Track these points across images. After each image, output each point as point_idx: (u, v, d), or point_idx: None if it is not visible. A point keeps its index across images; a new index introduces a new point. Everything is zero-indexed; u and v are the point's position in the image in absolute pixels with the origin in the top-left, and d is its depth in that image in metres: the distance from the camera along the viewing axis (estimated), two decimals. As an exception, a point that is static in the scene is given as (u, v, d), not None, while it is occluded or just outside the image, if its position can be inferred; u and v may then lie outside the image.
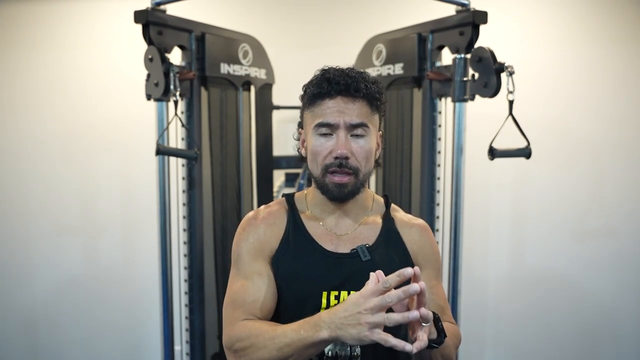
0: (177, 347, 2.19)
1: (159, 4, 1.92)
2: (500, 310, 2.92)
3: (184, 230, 2.16)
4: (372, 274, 0.96)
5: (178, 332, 2.22)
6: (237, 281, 1.18)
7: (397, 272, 0.92)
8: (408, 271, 0.92)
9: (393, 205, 1.29)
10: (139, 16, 1.87)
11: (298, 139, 1.25)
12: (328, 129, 1.13)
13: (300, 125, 1.24)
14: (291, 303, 1.17)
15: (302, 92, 1.21)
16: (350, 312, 0.93)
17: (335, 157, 1.12)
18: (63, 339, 2.94)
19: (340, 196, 1.16)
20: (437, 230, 2.09)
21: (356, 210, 1.23)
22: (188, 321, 2.18)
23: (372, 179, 2.41)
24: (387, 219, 1.24)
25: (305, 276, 1.16)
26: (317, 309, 1.13)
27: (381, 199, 1.29)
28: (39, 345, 2.95)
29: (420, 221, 1.28)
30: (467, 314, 2.26)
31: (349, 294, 1.13)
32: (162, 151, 1.85)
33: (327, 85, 1.13)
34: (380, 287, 0.92)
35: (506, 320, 2.92)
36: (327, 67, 1.18)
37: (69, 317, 2.94)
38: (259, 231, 1.21)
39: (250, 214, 1.25)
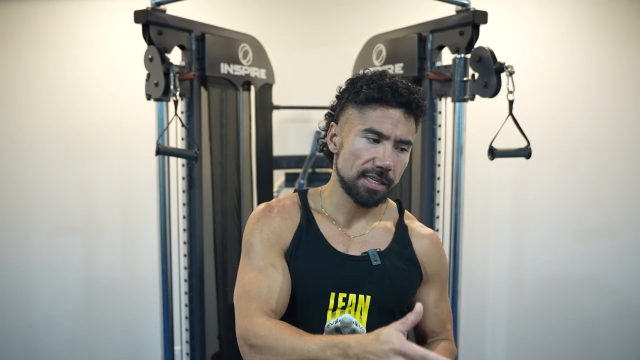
0: (177, 347, 2.19)
1: (159, 4, 1.92)
2: (500, 310, 2.92)
3: (184, 230, 2.16)
4: (418, 305, 0.91)
5: (178, 332, 2.22)
6: (250, 272, 1.14)
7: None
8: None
9: (406, 212, 1.29)
10: (139, 16, 1.87)
11: (325, 130, 1.22)
12: (377, 136, 1.11)
13: (332, 117, 1.21)
14: (299, 301, 1.17)
15: (348, 85, 1.17)
16: (381, 351, 0.89)
17: (378, 166, 1.11)
18: (63, 339, 2.94)
19: (369, 202, 1.15)
20: (437, 230, 2.09)
21: (370, 214, 1.23)
22: (188, 321, 2.17)
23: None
24: (401, 227, 1.24)
25: (315, 275, 1.15)
26: (324, 308, 1.14)
27: (394, 204, 1.29)
28: (38, 345, 2.95)
29: (432, 232, 1.27)
30: (467, 314, 2.26)
31: (357, 297, 1.14)
32: (162, 151, 1.85)
33: (390, 93, 1.10)
34: (419, 353, 0.87)
35: (506, 321, 2.92)
36: (383, 72, 1.16)
37: (69, 317, 2.93)
38: (274, 223, 1.18)
39: (263, 205, 1.22)
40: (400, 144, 1.13)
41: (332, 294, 1.14)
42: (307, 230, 1.19)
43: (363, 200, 1.14)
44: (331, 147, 1.20)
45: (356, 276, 1.15)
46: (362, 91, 1.13)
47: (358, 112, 1.13)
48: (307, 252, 1.17)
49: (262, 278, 1.12)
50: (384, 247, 1.20)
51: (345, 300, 1.14)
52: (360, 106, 1.13)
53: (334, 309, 1.14)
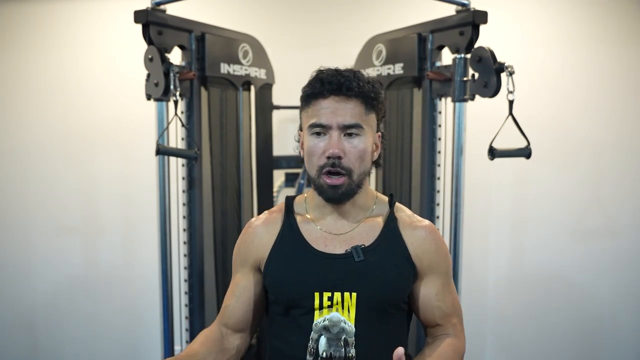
0: (177, 347, 2.19)
1: (159, 4, 1.92)
2: (500, 310, 2.92)
3: (184, 230, 2.16)
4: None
5: (178, 332, 2.22)
6: (230, 285, 1.29)
7: None
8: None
9: (398, 205, 1.27)
10: (139, 16, 1.87)
11: (298, 141, 1.25)
12: (321, 129, 1.14)
13: (301, 127, 1.24)
14: (284, 305, 1.19)
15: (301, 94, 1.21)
16: None
17: (327, 156, 1.13)
18: (63, 338, 2.94)
19: (335, 197, 1.16)
20: (437, 230, 2.09)
21: (355, 211, 1.22)
22: (188, 321, 2.17)
23: (372, 178, 2.41)
24: (390, 220, 1.22)
25: (296, 278, 1.16)
26: (310, 310, 1.15)
27: (385, 199, 1.27)
28: (38, 345, 2.95)
29: (427, 223, 1.25)
30: (467, 314, 2.25)
31: (342, 295, 1.14)
32: (162, 151, 1.85)
33: (319, 85, 1.14)
34: None
35: (506, 320, 2.92)
36: (322, 68, 1.19)
37: (69, 317, 2.94)
38: (248, 239, 1.25)
39: (251, 220, 1.29)
40: (347, 129, 1.13)
41: (316, 294, 1.14)
42: (288, 235, 1.21)
43: (328, 197, 1.17)
44: (301, 153, 1.23)
45: (339, 274, 1.15)
46: (303, 94, 1.19)
47: (305, 113, 1.19)
48: (287, 257, 1.19)
49: (229, 294, 1.26)
50: (370, 242, 1.18)
51: (331, 299, 1.13)
52: (305, 108, 1.19)
53: (321, 309, 1.14)
